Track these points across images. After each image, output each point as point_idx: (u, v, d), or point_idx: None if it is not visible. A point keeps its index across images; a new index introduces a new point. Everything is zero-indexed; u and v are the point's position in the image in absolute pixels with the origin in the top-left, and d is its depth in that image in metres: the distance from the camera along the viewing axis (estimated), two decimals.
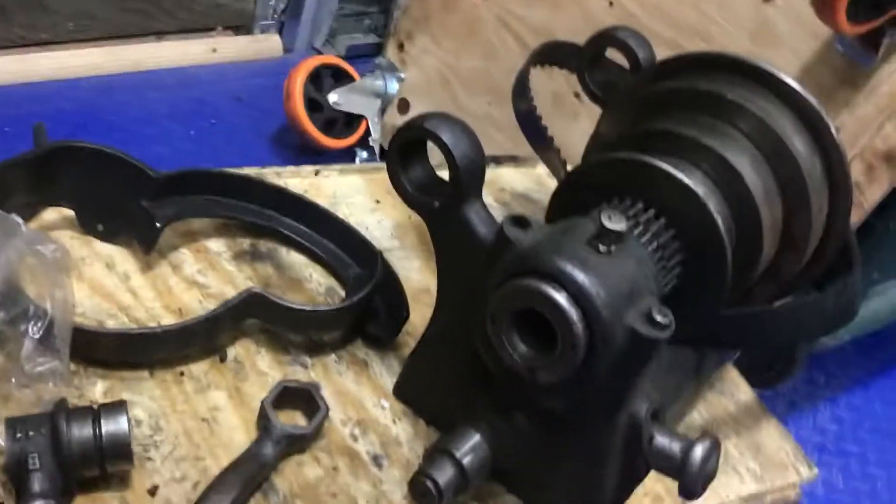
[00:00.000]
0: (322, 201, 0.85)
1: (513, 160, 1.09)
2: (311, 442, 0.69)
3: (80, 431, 0.58)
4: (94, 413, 0.60)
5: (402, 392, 0.75)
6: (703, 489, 0.64)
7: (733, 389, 0.89)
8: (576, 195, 0.69)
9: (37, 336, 0.62)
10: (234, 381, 0.72)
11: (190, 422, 0.68)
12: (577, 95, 1.44)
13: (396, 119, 1.92)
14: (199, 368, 0.72)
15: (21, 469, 0.57)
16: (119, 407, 0.60)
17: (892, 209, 1.40)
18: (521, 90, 0.92)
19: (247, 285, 0.77)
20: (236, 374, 0.72)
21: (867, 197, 1.34)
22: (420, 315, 0.76)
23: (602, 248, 0.59)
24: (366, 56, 2.25)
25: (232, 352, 0.74)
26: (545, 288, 0.58)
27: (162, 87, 2.04)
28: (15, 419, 0.59)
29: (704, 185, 0.67)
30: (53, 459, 0.58)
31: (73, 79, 1.94)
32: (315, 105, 1.88)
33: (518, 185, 1.05)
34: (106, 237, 0.78)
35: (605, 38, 0.81)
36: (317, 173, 0.95)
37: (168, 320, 0.73)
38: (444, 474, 0.62)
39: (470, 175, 0.66)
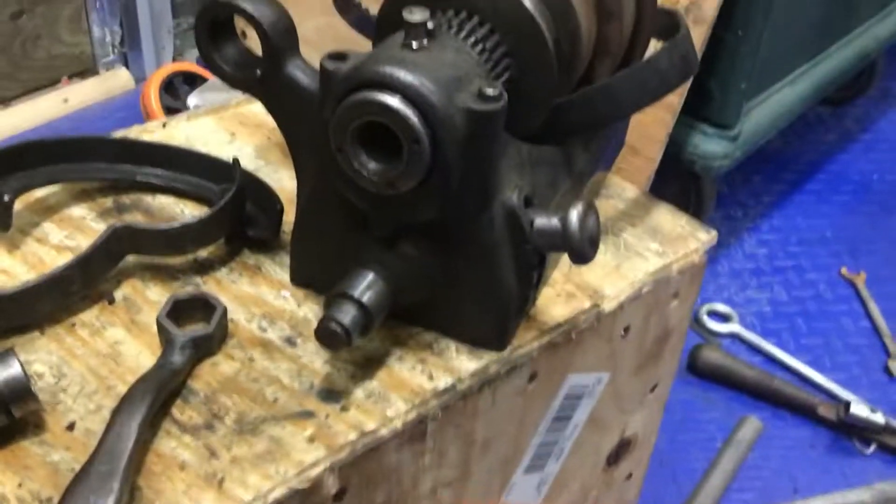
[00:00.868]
0: None
1: None
2: (218, 343, 0.69)
3: None
4: None
5: (299, 276, 0.75)
6: (593, 249, 0.66)
7: (619, 191, 0.91)
8: (390, 25, 0.70)
9: None
10: (128, 315, 0.71)
11: (93, 360, 0.67)
12: None
13: None
14: (89, 315, 0.71)
15: None
16: (4, 353, 0.59)
17: (733, 17, 1.45)
18: (342, 2, 0.94)
19: None
20: (129, 309, 0.72)
21: (705, 10, 1.39)
22: None
23: (415, 44, 0.60)
24: None
25: (120, 294, 0.73)
26: (372, 95, 0.59)
27: None
28: None
29: None
30: None
31: None
32: (177, 113, 1.86)
33: None
34: None
35: None
36: (164, 126, 0.94)
37: None
38: (346, 314, 0.63)
39: (280, 35, 0.66)
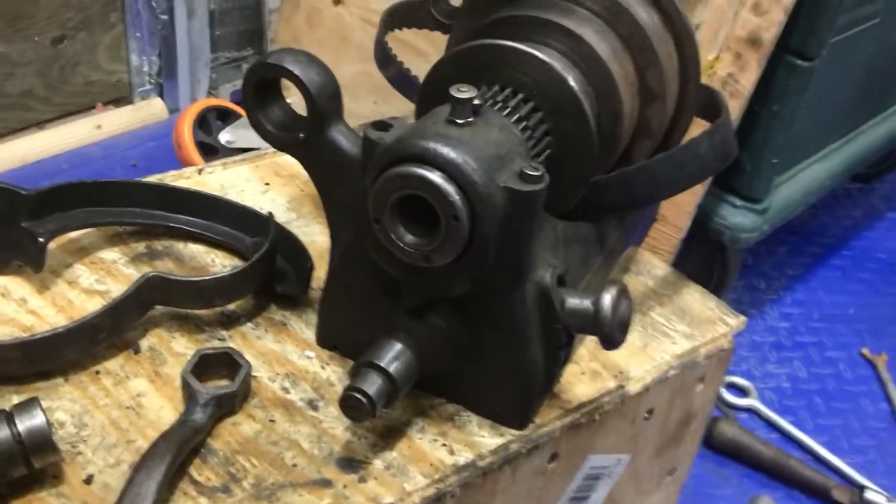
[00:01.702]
0: None
1: None
2: (240, 401, 0.68)
3: None
4: (7, 414, 0.59)
5: (325, 338, 0.75)
6: (623, 334, 0.65)
7: (649, 268, 0.91)
8: (435, 95, 0.71)
9: None
10: (152, 367, 0.71)
11: (115, 412, 0.67)
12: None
13: None
14: (114, 364, 0.71)
15: None
16: (30, 402, 0.59)
17: (770, 92, 1.46)
18: (383, 57, 0.95)
19: None
20: (154, 360, 0.72)
21: (743, 84, 1.39)
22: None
23: (460, 121, 0.61)
24: None
25: (145, 343, 0.73)
26: (414, 169, 0.59)
27: (54, 173, 2.01)
28: None
29: (548, 52, 0.69)
30: None
31: None
32: (209, 149, 1.88)
33: None
34: None
35: None
36: (200, 172, 0.95)
37: None
38: (372, 385, 0.63)
39: (325, 98, 0.67)
